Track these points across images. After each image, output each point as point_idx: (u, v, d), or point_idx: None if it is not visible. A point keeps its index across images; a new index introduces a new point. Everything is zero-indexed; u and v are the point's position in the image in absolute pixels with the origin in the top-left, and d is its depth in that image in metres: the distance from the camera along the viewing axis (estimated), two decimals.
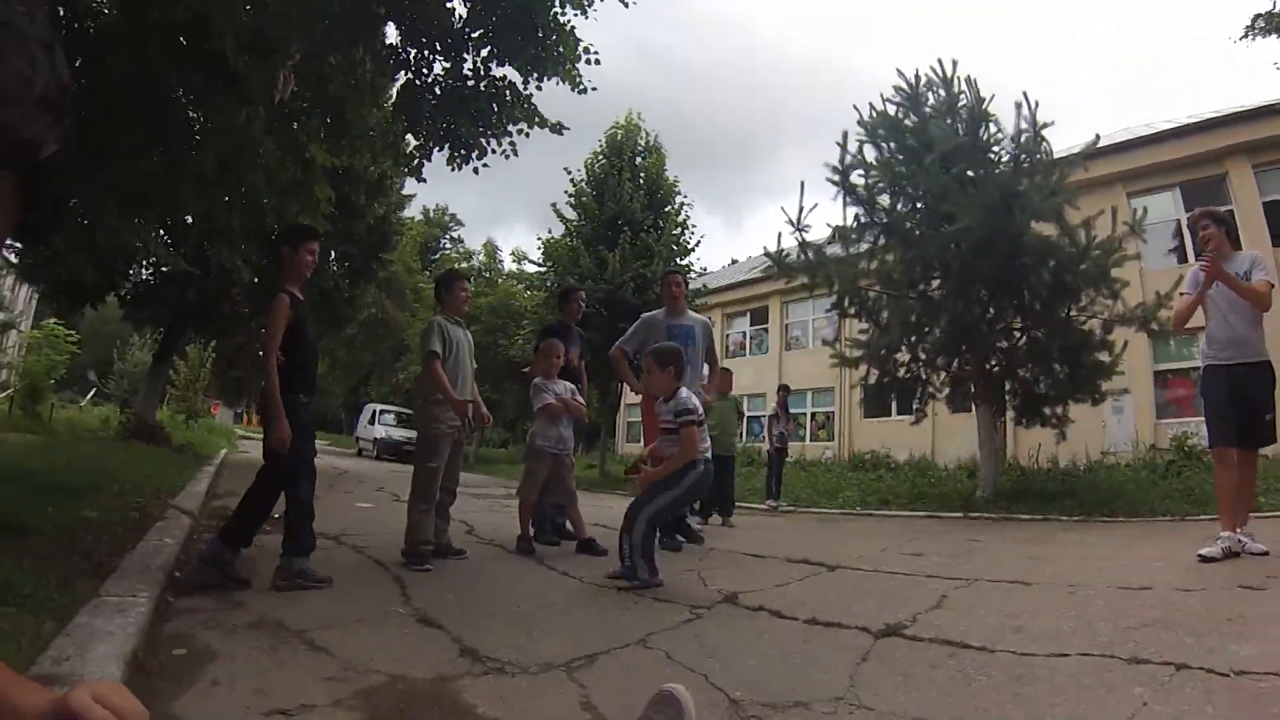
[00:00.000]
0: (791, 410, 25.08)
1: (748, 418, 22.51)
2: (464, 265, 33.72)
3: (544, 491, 6.17)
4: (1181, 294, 5.31)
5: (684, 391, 4.68)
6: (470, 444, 22.24)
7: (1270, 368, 4.98)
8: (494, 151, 7.66)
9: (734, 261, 38.85)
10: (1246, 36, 14.24)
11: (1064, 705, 2.43)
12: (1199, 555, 4.70)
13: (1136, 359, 15.18)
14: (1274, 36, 13.89)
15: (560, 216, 20.61)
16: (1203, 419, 5.27)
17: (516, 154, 7.80)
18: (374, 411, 29.19)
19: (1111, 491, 9.63)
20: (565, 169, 20.88)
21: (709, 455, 4.73)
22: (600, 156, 20.92)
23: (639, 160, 20.88)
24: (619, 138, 21.03)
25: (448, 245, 49.39)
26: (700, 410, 4.74)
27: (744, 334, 28.98)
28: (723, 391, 9.35)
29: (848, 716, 2.41)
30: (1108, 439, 16.39)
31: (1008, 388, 10.24)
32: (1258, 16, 13.89)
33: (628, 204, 19.56)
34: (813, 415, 25.23)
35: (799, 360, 24.75)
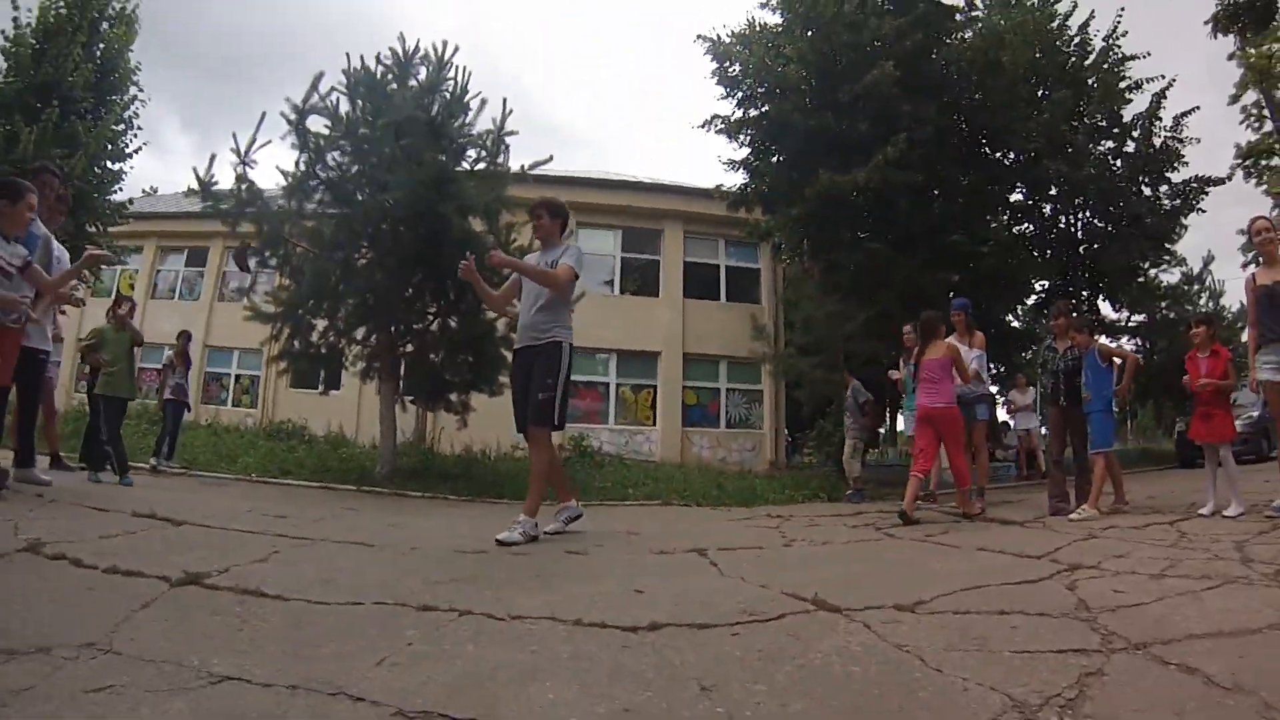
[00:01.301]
0: (215, 369, 23.27)
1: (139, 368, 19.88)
2: None
3: None
4: None
5: None
6: None
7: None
8: None
9: (190, 192, 34.50)
10: (704, 127, 16.92)
11: (329, 646, 2.44)
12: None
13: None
14: (724, 136, 16.78)
15: None
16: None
17: None
18: None
19: (504, 477, 10.41)
20: (14, 2, 15.77)
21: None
22: (60, 2, 16.11)
23: (105, 26, 16.65)
24: None
25: None
26: None
27: (176, 274, 24.88)
28: (121, 321, 8.10)
29: (89, 662, 2.17)
30: (518, 434, 17.98)
31: (412, 367, 10.46)
32: (716, 116, 16.64)
33: (70, 73, 15.42)
34: (237, 378, 23.19)
35: (231, 314, 21.98)
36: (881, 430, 19.04)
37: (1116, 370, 7.26)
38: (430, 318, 10.25)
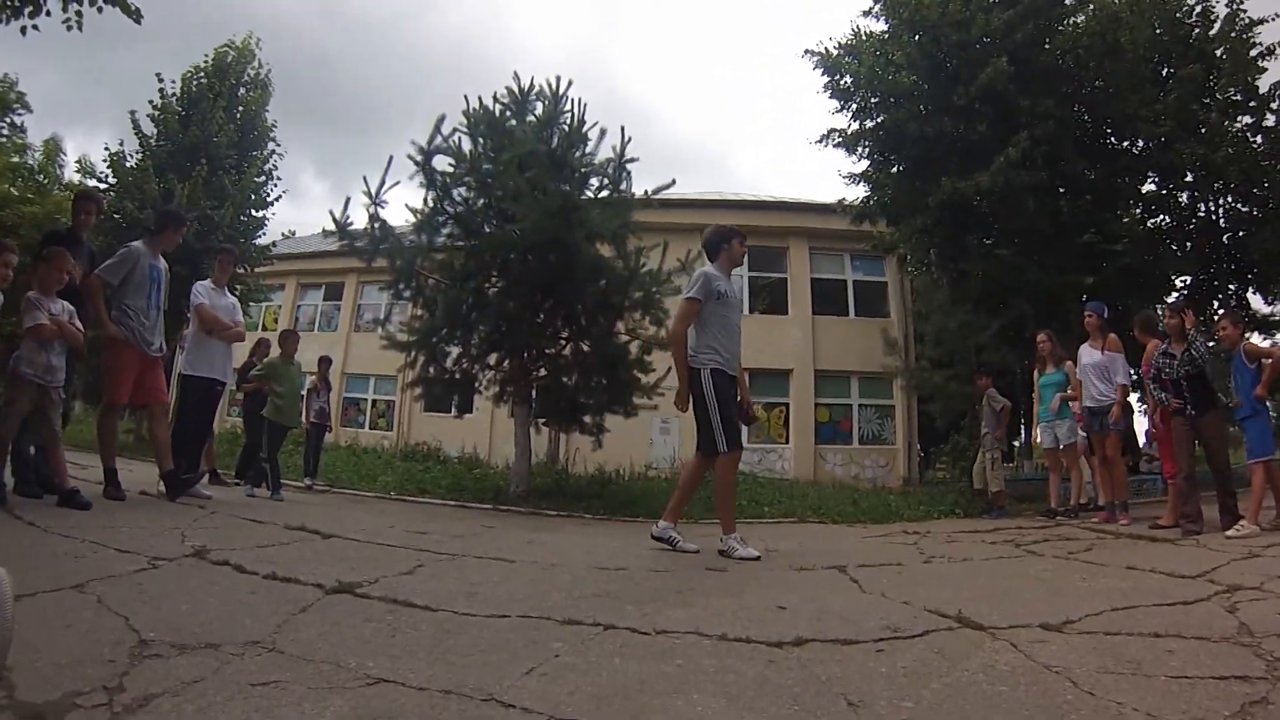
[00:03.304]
0: (353, 394, 24.48)
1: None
2: (15, 159, 26.65)
3: (25, 429, 5.30)
4: None
5: None
6: None
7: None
8: (48, 14, 6.41)
9: (326, 233, 36.66)
10: (821, 142, 16.78)
11: (477, 655, 2.47)
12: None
13: None
14: (842, 150, 16.63)
15: (136, 128, 17.51)
16: None
17: (80, 28, 6.66)
18: None
19: (639, 497, 10.41)
20: (158, 74, 17.80)
21: None
22: (201, 73, 18.19)
23: (242, 91, 18.57)
24: (228, 59, 18.51)
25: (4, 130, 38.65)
26: None
27: (315, 308, 27.01)
28: (288, 355, 8.68)
29: (254, 659, 2.27)
30: (653, 454, 18.25)
31: (545, 390, 10.63)
32: (832, 130, 16.53)
33: (215, 134, 17.24)
34: (374, 403, 24.50)
35: (367, 343, 23.38)
36: (1016, 443, 18.16)
37: (1259, 372, 6.68)
38: (563, 342, 10.41)
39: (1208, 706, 2.08)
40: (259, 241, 18.51)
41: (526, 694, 2.10)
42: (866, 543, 6.75)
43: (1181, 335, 6.96)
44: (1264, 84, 16.07)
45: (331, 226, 10.02)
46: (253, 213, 18.02)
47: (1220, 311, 7.22)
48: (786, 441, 20.01)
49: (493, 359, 10.43)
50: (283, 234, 26.54)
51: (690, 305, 5.50)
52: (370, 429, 23.66)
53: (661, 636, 2.80)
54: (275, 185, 18.72)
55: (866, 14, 16.15)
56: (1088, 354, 8.56)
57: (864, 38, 16.26)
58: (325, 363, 11.08)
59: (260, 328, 24.16)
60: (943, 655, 2.62)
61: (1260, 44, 16.00)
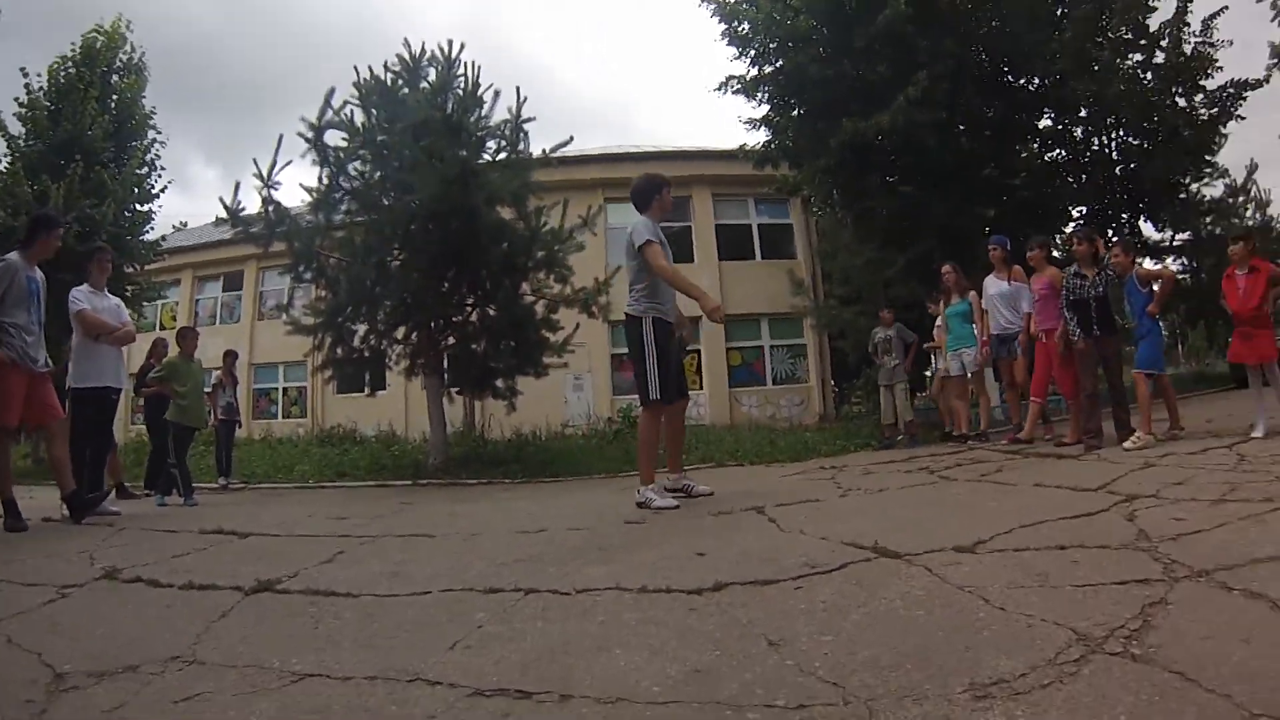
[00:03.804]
0: (263, 385, 23.79)
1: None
2: None
3: None
4: None
5: None
6: None
7: None
8: None
9: (218, 221, 35.10)
10: (720, 90, 16.66)
11: (402, 636, 2.50)
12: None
13: (599, 345, 17.44)
14: (741, 96, 16.44)
15: (2, 129, 16.21)
16: None
17: None
18: None
19: (557, 456, 10.55)
20: (22, 69, 16.45)
21: None
22: (69, 63, 16.80)
23: (115, 79, 17.28)
24: (97, 45, 17.08)
25: None
26: None
27: (215, 300, 25.76)
28: (188, 353, 8.35)
29: (175, 674, 2.24)
30: (568, 412, 18.37)
31: (455, 359, 10.58)
32: (730, 77, 16.32)
33: (88, 127, 16.04)
34: (285, 391, 23.81)
35: (273, 331, 22.49)
36: (927, 373, 18.87)
37: (1151, 294, 7.06)
38: (469, 309, 10.35)
39: (1111, 611, 2.22)
40: (147, 237, 17.44)
41: (452, 669, 2.14)
42: (784, 481, 6.92)
43: (1091, 260, 7.29)
44: (1154, 22, 16.82)
45: (224, 214, 9.68)
46: (137, 207, 16.97)
47: (1114, 240, 7.58)
48: (701, 388, 20.25)
49: (400, 332, 10.34)
50: (173, 226, 25.22)
51: (654, 247, 5.53)
52: (284, 418, 23.05)
53: (583, 595, 2.86)
54: (159, 176, 17.65)
55: None
56: (994, 284, 8.85)
57: None
58: (230, 357, 10.76)
59: (158, 327, 23.15)
60: (861, 586, 2.72)
61: None
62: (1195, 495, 3.89)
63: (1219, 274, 7.42)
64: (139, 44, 17.96)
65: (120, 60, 17.56)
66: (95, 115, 16.29)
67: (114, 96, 17.09)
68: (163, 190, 17.69)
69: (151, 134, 17.63)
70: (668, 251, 5.71)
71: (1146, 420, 6.67)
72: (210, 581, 3.33)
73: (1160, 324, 7.26)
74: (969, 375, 9.51)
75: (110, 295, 7.21)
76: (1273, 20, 18.10)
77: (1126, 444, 6.54)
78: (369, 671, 2.14)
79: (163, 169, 17.60)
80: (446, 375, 10.64)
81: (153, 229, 17.78)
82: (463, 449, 11.35)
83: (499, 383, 10.45)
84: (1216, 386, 16.68)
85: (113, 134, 16.67)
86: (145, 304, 19.73)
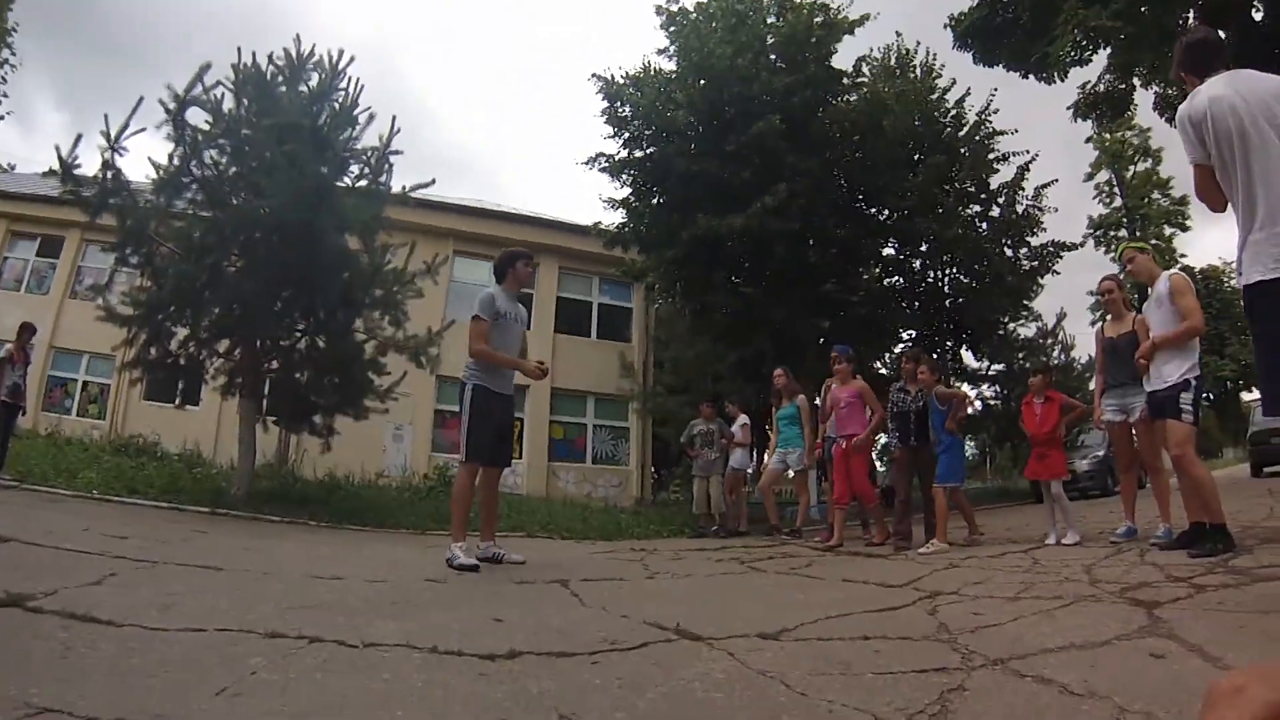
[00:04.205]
0: (60, 372, 21.48)
1: None
2: None
3: None
4: None
5: None
6: None
7: None
8: None
9: (48, 173, 31.39)
10: (588, 164, 17.32)
11: (163, 675, 2.32)
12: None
13: (425, 398, 17.11)
14: (606, 175, 17.20)
15: None
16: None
17: None
18: None
19: (368, 504, 10.20)
20: None
21: None
22: None
23: None
24: None
25: None
26: None
27: (26, 263, 22.32)
28: None
29: None
30: (385, 461, 17.82)
31: (276, 385, 10.12)
32: (600, 154, 17.13)
33: None
34: (85, 385, 21.33)
35: (85, 314, 19.86)
36: (749, 470, 19.56)
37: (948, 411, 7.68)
38: (298, 335, 9.91)
39: (910, 697, 2.29)
40: None
41: (213, 718, 2.01)
42: (593, 559, 6.94)
43: (914, 377, 7.96)
44: (995, 182, 19.49)
45: (56, 165, 8.82)
46: None
47: (921, 358, 8.28)
48: (520, 456, 20.12)
49: (223, 346, 9.75)
50: None
51: (478, 324, 5.74)
52: (78, 416, 20.70)
53: (370, 650, 2.76)
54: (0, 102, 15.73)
55: (660, 52, 16.99)
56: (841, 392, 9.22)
57: (652, 73, 17.02)
58: (28, 331, 9.87)
59: None
60: (659, 666, 2.71)
61: (998, 151, 19.29)
62: (993, 592, 4.14)
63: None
64: None
65: None
66: None
67: None
68: None
69: (5, 53, 15.78)
70: (511, 324, 5.96)
71: (942, 530, 7.12)
72: None
73: (959, 439, 7.85)
74: (791, 474, 9.91)
75: None
76: (1094, 198, 20.79)
77: (921, 549, 6.96)
78: (118, 713, 1.96)
79: (5, 95, 15.78)
80: (265, 401, 10.11)
81: None
82: (271, 483, 10.75)
83: (317, 418, 9.99)
84: (1017, 500, 18.08)
85: None
86: None
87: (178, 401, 11.87)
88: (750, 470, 13.17)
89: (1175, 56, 3.83)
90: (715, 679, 2.55)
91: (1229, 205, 3.37)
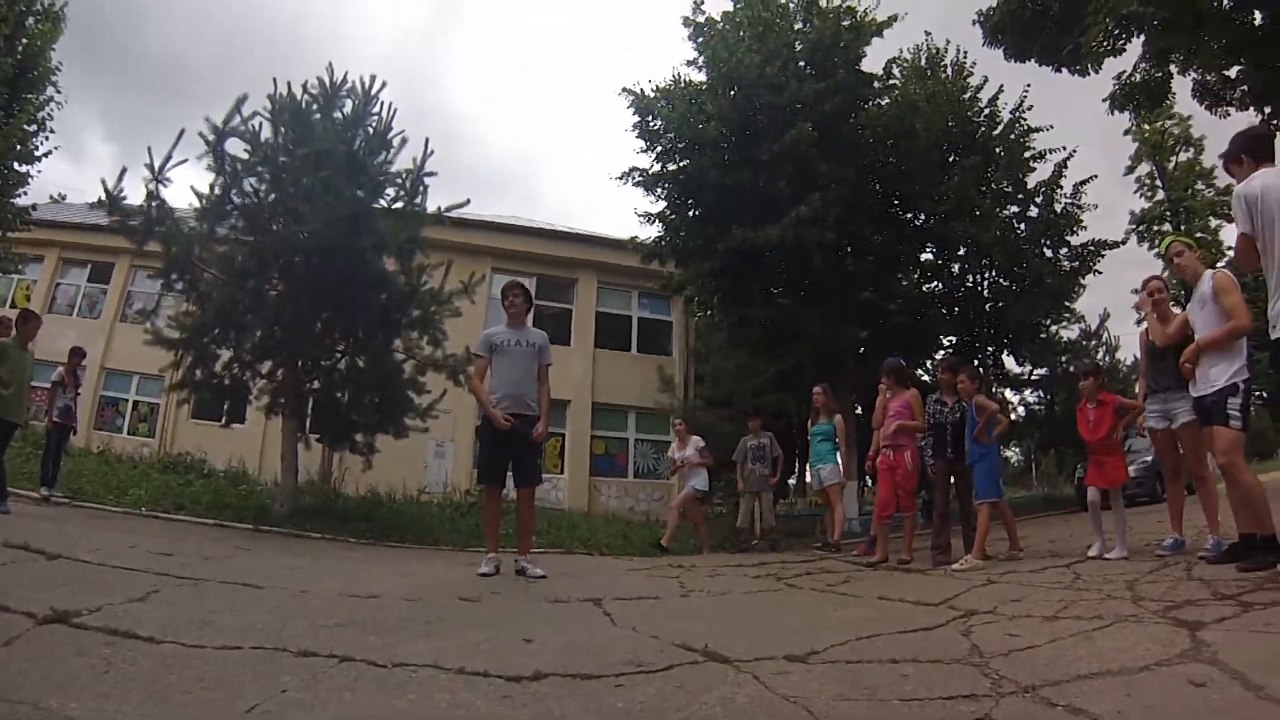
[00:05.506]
0: (112, 393, 22.00)
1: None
2: None
3: None
4: None
5: None
6: None
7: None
8: None
9: (95, 204, 32.19)
10: (622, 179, 17.44)
11: (198, 692, 2.38)
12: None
13: (466, 415, 17.21)
14: (641, 189, 17.36)
15: None
16: None
17: None
18: None
19: (409, 521, 10.33)
20: None
21: None
22: None
23: (30, 21, 15.88)
24: None
25: None
26: None
27: (78, 289, 23.05)
28: (24, 340, 7.79)
29: None
30: (427, 478, 17.94)
31: (319, 405, 10.29)
32: (634, 169, 17.25)
33: None
34: (135, 405, 21.85)
35: (135, 336, 20.48)
36: (791, 481, 19.35)
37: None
38: (338, 355, 10.11)
39: None
40: (18, 201, 16.14)
41: None
42: (629, 576, 6.94)
43: (952, 388, 7.80)
44: (1032, 181, 19.21)
45: (104, 196, 9.19)
46: (15, 166, 15.61)
47: (963, 367, 8.13)
48: (562, 471, 20.17)
49: (266, 366, 9.97)
50: (50, 196, 22.85)
51: (476, 361, 6.41)
52: (129, 434, 21.20)
53: (399, 669, 2.78)
54: (48, 138, 16.13)
55: (689, 64, 17.09)
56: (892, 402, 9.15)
57: (682, 85, 17.08)
58: (77, 355, 10.14)
59: (8, 304, 21.12)
60: (683, 689, 2.68)
61: (1033, 149, 19.01)
62: (1030, 611, 4.03)
63: (1069, 407, 8.01)
64: None
65: (41, 3, 16.12)
66: None
67: (23, 40, 15.66)
68: (47, 155, 16.33)
69: (50, 90, 16.12)
70: (510, 351, 6.30)
71: (980, 547, 6.93)
72: (2, 603, 3.10)
73: (996, 449, 7.68)
74: (824, 488, 9.96)
75: None
76: (1135, 193, 20.36)
77: (954, 566, 6.80)
78: None
79: (53, 130, 16.12)
80: (308, 420, 10.30)
81: (26, 194, 16.49)
82: (313, 500, 10.93)
83: (359, 436, 10.15)
84: (1062, 509, 17.74)
85: (11, 80, 15.22)
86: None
87: (223, 420, 12.06)
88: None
89: (1239, 141, 4.71)
90: (739, 704, 2.53)
91: (1261, 271, 4.37)
